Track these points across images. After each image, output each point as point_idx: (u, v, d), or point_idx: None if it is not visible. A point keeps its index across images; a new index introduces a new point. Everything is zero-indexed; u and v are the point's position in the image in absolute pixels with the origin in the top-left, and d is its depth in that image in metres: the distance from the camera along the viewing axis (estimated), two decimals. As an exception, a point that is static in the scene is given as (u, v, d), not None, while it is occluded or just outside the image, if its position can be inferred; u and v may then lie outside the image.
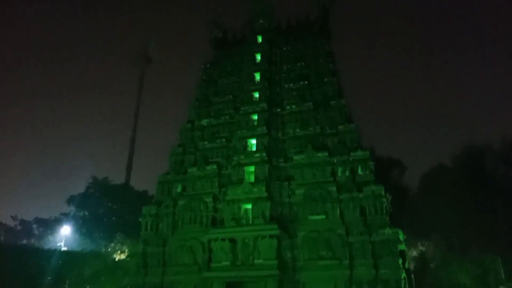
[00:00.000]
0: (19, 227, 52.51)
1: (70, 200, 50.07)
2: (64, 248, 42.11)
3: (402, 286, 22.90)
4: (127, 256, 34.92)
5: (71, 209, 49.36)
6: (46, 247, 41.94)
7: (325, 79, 31.07)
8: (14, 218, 53.72)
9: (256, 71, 33.33)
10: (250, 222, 26.17)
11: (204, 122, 32.95)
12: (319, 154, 27.34)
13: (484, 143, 39.54)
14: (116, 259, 38.25)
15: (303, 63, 32.70)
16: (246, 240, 25.32)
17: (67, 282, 34.38)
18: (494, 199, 33.81)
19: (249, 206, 26.71)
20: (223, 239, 25.59)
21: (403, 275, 23.17)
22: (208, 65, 36.88)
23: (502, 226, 32.20)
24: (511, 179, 35.72)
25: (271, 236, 24.55)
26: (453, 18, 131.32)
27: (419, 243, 35.26)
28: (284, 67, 33.30)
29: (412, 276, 25.50)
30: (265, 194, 26.19)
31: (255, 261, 24.57)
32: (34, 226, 53.12)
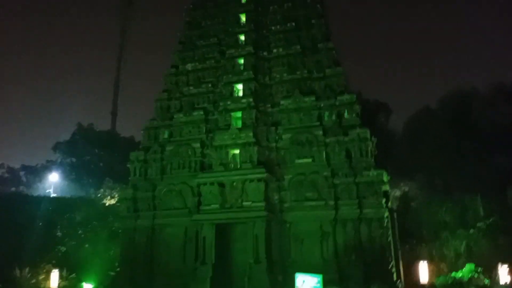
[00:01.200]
0: (6, 175, 52.36)
1: (56, 147, 49.73)
2: (53, 195, 42.41)
3: (385, 224, 24.05)
4: (117, 201, 35.39)
5: (58, 156, 49.18)
6: (35, 194, 42.14)
7: (313, 21, 30.24)
8: (0, 166, 53.41)
9: (241, 12, 32.20)
10: (238, 166, 26.60)
11: (189, 66, 32.21)
12: (306, 99, 27.32)
13: (470, 86, 39.75)
14: (106, 204, 38.84)
15: (290, 4, 31.55)
16: (234, 184, 25.89)
17: (58, 227, 34.95)
18: (478, 143, 34.53)
19: (236, 151, 27.01)
20: (212, 183, 26.11)
21: (386, 213, 24.25)
22: (191, 6, 35.32)
23: (484, 169, 33.20)
24: (496, 124, 36.25)
25: (258, 180, 25.14)
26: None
27: (402, 184, 36.41)
28: (271, 8, 32.13)
29: (395, 214, 26.70)
30: (252, 140, 26.41)
31: (243, 203, 25.32)
32: (22, 173, 53.03)
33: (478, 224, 29.69)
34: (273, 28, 31.20)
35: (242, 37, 31.19)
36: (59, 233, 34.69)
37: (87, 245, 33.38)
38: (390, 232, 24.89)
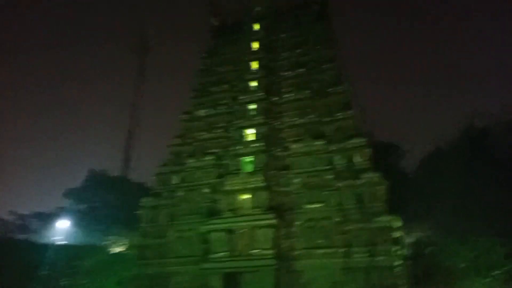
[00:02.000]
0: (17, 222, 52.25)
1: (68, 194, 49.78)
2: (61, 242, 41.88)
3: (398, 272, 22.76)
4: (126, 249, 34.71)
5: (69, 202, 49.10)
6: (44, 241, 41.69)
7: (323, 66, 30.66)
8: (12, 213, 53.49)
9: (253, 60, 32.99)
10: (247, 212, 25.97)
11: (202, 112, 32.68)
12: (316, 143, 27.09)
13: (483, 124, 38.94)
14: (115, 252, 38.05)
15: (301, 50, 32.28)
16: (243, 230, 25.18)
17: (64, 275, 34.14)
18: (494, 182, 33.35)
19: (246, 196, 26.53)
20: (220, 230, 25.47)
21: (399, 261, 23.03)
22: (205, 55, 36.51)
23: (499, 210, 31.84)
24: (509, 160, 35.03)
25: (268, 226, 24.43)
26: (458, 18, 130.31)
27: (416, 229, 34.99)
28: (282, 54, 32.91)
29: (408, 262, 25.34)
30: (262, 184, 26.02)
31: (252, 251, 24.46)
32: (31, 220, 52.86)
33: (494, 272, 27.90)
34: (284, 73, 31.76)
35: (254, 83, 31.72)
36: (65, 283, 33.81)
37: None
38: (403, 280, 23.50)
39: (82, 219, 45.19)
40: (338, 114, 28.11)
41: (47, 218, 48.60)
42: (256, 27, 34.85)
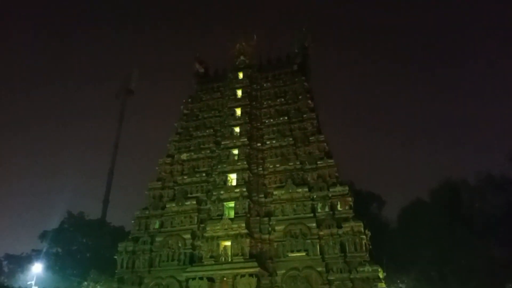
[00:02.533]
0: (-12, 264, 50.14)
1: (43, 236, 48.25)
2: (35, 287, 40.19)
3: (383, 325, 22.61)
4: (101, 296, 33.41)
5: (44, 245, 47.55)
6: (16, 285, 40.00)
7: (305, 115, 31.60)
8: (-17, 255, 51.36)
9: (237, 107, 33.67)
10: (229, 259, 25.65)
11: (184, 156, 32.77)
12: (299, 189, 27.41)
13: (460, 178, 40.31)
14: (90, 298, 36.57)
15: (283, 99, 33.31)
16: (225, 279, 24.79)
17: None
18: (471, 235, 34.15)
19: (228, 243, 26.30)
20: (201, 278, 24.99)
21: (383, 314, 22.93)
22: (189, 99, 37.07)
23: (480, 263, 32.36)
24: (486, 215, 36.23)
25: (250, 275, 24.12)
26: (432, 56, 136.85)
27: (398, 281, 35.10)
28: (265, 103, 33.81)
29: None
30: (244, 231, 25.88)
31: (233, 300, 23.94)
32: (4, 263, 50.82)
33: None
34: (266, 121, 32.47)
35: (237, 129, 32.22)
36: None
37: None
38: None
39: (58, 263, 43.69)
40: (320, 162, 28.68)
41: (21, 261, 46.88)
42: (240, 75, 35.88)
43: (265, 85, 35.16)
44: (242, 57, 36.81)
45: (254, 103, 33.94)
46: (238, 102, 33.89)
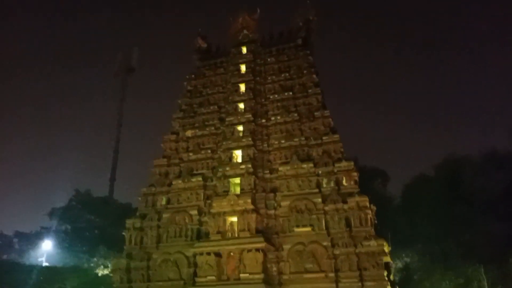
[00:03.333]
0: None
1: (52, 214, 48.88)
2: (45, 263, 41.12)
3: (388, 298, 22.96)
4: (110, 271, 34.13)
5: (53, 222, 48.29)
6: (27, 262, 40.90)
7: (309, 90, 31.21)
8: (-6, 232, 52.30)
9: (241, 82, 33.30)
10: (236, 235, 25.93)
11: (189, 133, 32.72)
12: (304, 165, 27.37)
13: (463, 154, 40.23)
14: (99, 274, 37.45)
15: (287, 74, 32.86)
16: (231, 254, 25.13)
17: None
18: (473, 210, 34.33)
19: (234, 218, 26.52)
20: (208, 253, 25.33)
21: (388, 287, 23.23)
22: (192, 76, 36.70)
23: (481, 238, 32.63)
24: (487, 191, 36.27)
25: (257, 250, 24.37)
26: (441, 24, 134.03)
27: (403, 254, 35.50)
28: (269, 78, 33.40)
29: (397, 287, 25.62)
30: (250, 206, 26.05)
31: (240, 275, 24.34)
32: (15, 240, 51.80)
33: None
34: (271, 97, 32.13)
35: (242, 105, 31.96)
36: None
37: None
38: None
39: (67, 240, 44.49)
40: (325, 137, 28.52)
41: (31, 238, 47.79)
42: (244, 50, 35.30)
43: (269, 59, 34.59)
44: (245, 31, 36.07)
45: (258, 78, 33.55)
46: (242, 78, 33.50)
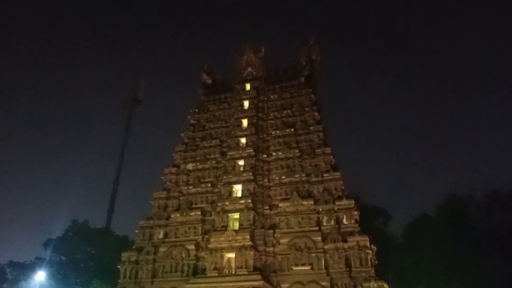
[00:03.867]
0: (-9, 271, 50.00)
1: (47, 244, 48.20)
2: (38, 295, 40.05)
3: None
4: (104, 305, 33.27)
5: (48, 253, 47.46)
6: (21, 293, 39.86)
7: (311, 127, 31.50)
8: (-14, 261, 51.28)
9: (243, 118, 33.69)
10: (233, 272, 25.38)
11: (190, 166, 32.77)
12: (305, 202, 27.20)
13: (466, 193, 39.91)
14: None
15: (289, 111, 33.30)
16: (228, 291, 24.44)
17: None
18: (478, 251, 33.69)
19: (232, 255, 26.04)
20: (204, 290, 24.68)
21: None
22: (196, 110, 37.19)
23: (486, 280, 31.85)
24: (493, 231, 35.78)
25: (254, 288, 23.77)
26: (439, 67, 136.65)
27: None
28: (271, 115, 33.80)
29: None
30: (249, 243, 25.64)
31: (237, 314, 23.62)
32: (8, 270, 50.73)
33: None
34: (273, 132, 32.40)
35: (243, 140, 32.16)
36: None
37: None
38: None
39: (61, 271, 43.56)
40: (326, 174, 28.49)
41: (25, 268, 46.78)
42: (247, 87, 35.98)
43: (272, 96, 35.19)
44: (249, 69, 36.95)
45: (260, 114, 33.96)
46: (245, 113, 33.92)
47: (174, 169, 33.19)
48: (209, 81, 39.20)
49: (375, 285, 22.92)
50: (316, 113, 32.37)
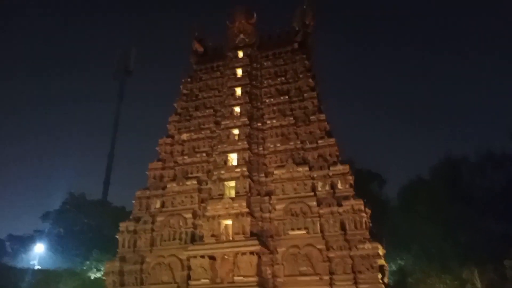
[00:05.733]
0: (-8, 245, 50.55)
1: (45, 217, 48.61)
2: (38, 267, 40.76)
3: (382, 301, 22.93)
4: (103, 274, 33.86)
5: (46, 225, 47.95)
6: (20, 265, 40.52)
7: (305, 94, 31.29)
8: (-15, 235, 51.75)
9: (237, 86, 33.32)
10: (230, 238, 25.85)
11: (184, 136, 32.68)
12: (300, 169, 27.38)
13: (460, 154, 40.48)
14: (92, 277, 37.12)
15: (283, 78, 32.96)
16: (226, 257, 24.98)
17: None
18: (471, 211, 34.50)
19: (229, 222, 26.45)
20: (202, 256, 25.17)
21: (383, 290, 23.20)
22: (188, 79, 36.71)
23: (479, 238, 32.79)
24: (486, 191, 36.56)
25: (251, 253, 24.25)
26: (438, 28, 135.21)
27: (398, 257, 35.50)
28: (265, 82, 33.47)
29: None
30: (245, 210, 25.98)
31: (235, 278, 24.21)
32: (7, 243, 51.32)
33: None
34: (267, 100, 32.20)
35: (237, 109, 31.97)
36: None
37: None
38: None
39: (60, 243, 44.13)
40: (321, 141, 28.57)
41: (24, 241, 47.37)
42: (240, 54, 35.38)
43: (265, 64, 34.70)
44: (241, 36, 36.23)
45: (254, 82, 33.61)
46: (238, 82, 33.53)
47: (168, 140, 33.11)
48: (201, 49, 38.49)
49: (369, 246, 23.45)
50: (310, 80, 32.09)
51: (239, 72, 34.31)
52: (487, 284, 30.00)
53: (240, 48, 35.72)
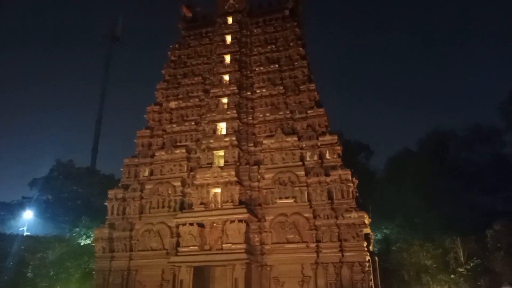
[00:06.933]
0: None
1: (33, 184, 48.36)
2: (27, 233, 40.87)
3: (367, 268, 23.62)
4: (92, 241, 34.17)
5: (34, 193, 47.82)
6: (8, 231, 40.56)
7: (296, 63, 30.85)
8: (-27, 202, 51.41)
9: (226, 53, 32.66)
10: (219, 206, 26.10)
11: (173, 104, 32.30)
12: (289, 139, 27.42)
13: (447, 128, 40.88)
14: (82, 244, 37.43)
15: (273, 46, 32.34)
16: (214, 224, 25.33)
17: (30, 266, 33.40)
18: (456, 183, 35.12)
19: (218, 190, 26.65)
20: (191, 223, 25.48)
21: (368, 257, 23.87)
22: (177, 45, 35.79)
23: (463, 210, 33.57)
24: (472, 163, 37.15)
25: (239, 220, 24.62)
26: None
27: (383, 226, 36.30)
28: (255, 50, 32.84)
29: (376, 258, 26.35)
30: (234, 178, 26.16)
31: (223, 245, 24.65)
32: (-4, 210, 51.13)
33: (459, 269, 29.53)
34: (256, 69, 31.70)
35: (227, 77, 31.49)
36: (30, 274, 33.11)
37: (58, 287, 31.79)
38: (371, 276, 24.48)
39: (49, 210, 44.15)
40: (310, 111, 28.47)
41: (12, 208, 47.22)
42: (229, 20, 34.41)
43: (255, 31, 33.87)
44: (231, 1, 35.12)
45: (244, 49, 32.91)
46: (227, 49, 32.81)
47: (156, 108, 32.67)
48: (189, 15, 37.35)
49: (356, 215, 23.92)
50: (301, 48, 31.52)
51: (228, 38, 33.54)
52: (469, 253, 30.97)
53: (229, 14, 34.71)
